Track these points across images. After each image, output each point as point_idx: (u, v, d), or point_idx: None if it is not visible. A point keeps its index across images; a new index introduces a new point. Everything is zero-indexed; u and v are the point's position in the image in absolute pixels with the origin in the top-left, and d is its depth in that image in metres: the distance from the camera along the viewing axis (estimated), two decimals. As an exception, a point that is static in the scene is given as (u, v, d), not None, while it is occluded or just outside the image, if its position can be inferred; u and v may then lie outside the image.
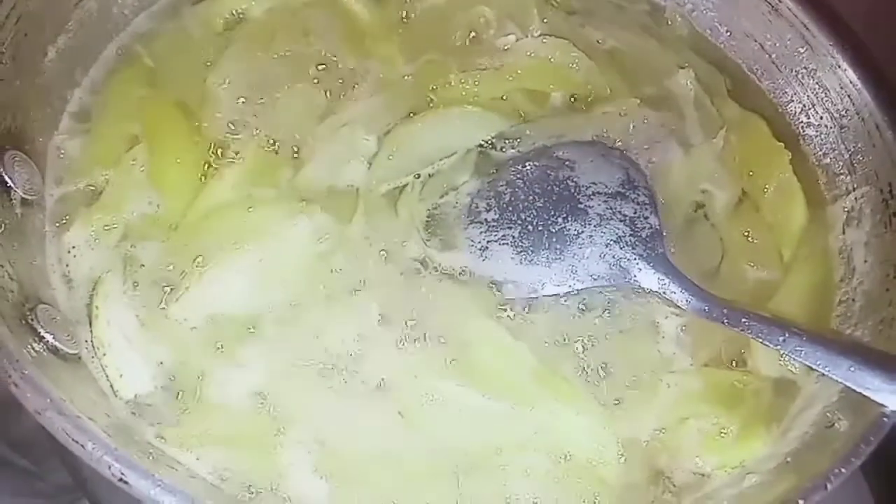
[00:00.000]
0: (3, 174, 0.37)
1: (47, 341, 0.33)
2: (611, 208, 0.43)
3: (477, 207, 0.44)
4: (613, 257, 0.41)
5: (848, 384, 0.33)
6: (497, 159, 0.47)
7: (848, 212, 0.48)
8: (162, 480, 0.29)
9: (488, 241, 0.43)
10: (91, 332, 0.37)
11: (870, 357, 0.34)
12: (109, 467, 0.29)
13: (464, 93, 0.48)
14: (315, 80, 0.47)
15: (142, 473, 0.29)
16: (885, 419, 0.35)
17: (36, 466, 0.65)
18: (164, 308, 0.38)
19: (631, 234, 0.42)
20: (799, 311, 0.44)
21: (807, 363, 0.35)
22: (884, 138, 0.48)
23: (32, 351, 0.32)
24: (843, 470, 0.34)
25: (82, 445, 0.29)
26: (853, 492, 0.58)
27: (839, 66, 0.51)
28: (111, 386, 0.36)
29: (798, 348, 0.35)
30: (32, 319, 0.34)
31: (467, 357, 0.39)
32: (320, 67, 0.48)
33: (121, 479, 0.28)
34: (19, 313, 0.34)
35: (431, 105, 0.48)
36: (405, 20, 0.51)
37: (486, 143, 0.47)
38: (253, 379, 0.37)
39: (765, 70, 0.55)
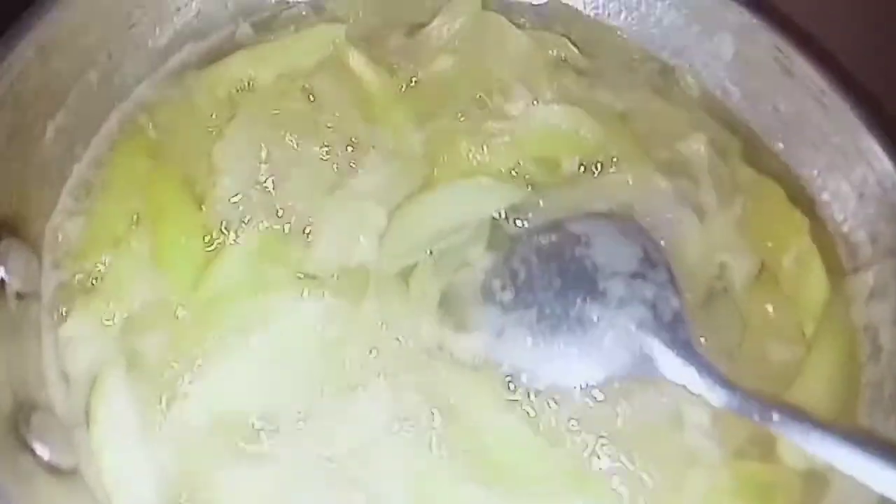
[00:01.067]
0: (-2, 267, 0.36)
1: (41, 458, 0.31)
2: (631, 290, 0.41)
3: (492, 286, 0.43)
4: (635, 344, 0.39)
5: (891, 496, 0.32)
6: (511, 233, 0.45)
7: (872, 285, 0.47)
8: None
9: (504, 324, 0.41)
10: (89, 436, 0.35)
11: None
12: None
13: (475, 163, 0.47)
14: (324, 151, 0.46)
15: None
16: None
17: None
18: (167, 407, 0.36)
19: (653, 319, 0.40)
20: (824, 392, 0.43)
21: (845, 469, 0.33)
22: (907, 209, 0.47)
23: (24, 469, 0.30)
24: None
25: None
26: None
27: (856, 132, 0.50)
28: (110, 500, 0.34)
29: (835, 452, 0.34)
30: (26, 431, 0.32)
31: (485, 455, 0.37)
32: (329, 137, 0.47)
33: None
34: (11, 426, 0.32)
35: (442, 176, 0.47)
36: (414, 86, 0.50)
37: (499, 215, 0.46)
38: (263, 486, 0.35)
39: (778, 132, 0.54)
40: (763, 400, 0.37)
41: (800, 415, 0.36)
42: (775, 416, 0.36)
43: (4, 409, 0.32)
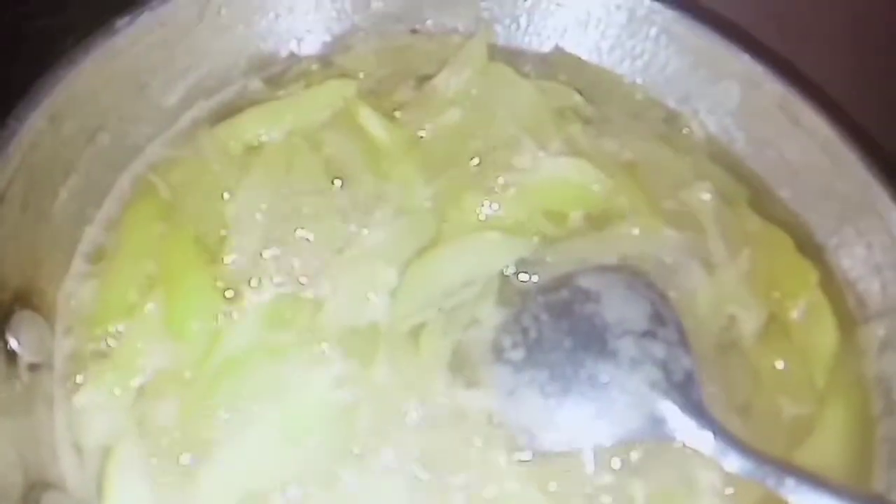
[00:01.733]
0: (9, 341, 0.36)
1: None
2: (641, 350, 0.41)
3: (502, 344, 0.43)
4: (647, 406, 0.39)
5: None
6: (520, 288, 0.46)
7: (883, 336, 0.47)
8: None
9: (516, 384, 0.41)
10: (102, 512, 0.35)
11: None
12: None
13: (483, 217, 0.47)
14: (334, 208, 0.46)
15: None
16: None
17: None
18: (181, 480, 0.36)
19: (665, 380, 0.40)
20: (838, 448, 0.43)
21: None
22: (916, 259, 0.47)
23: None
24: None
25: None
26: None
27: (863, 181, 0.50)
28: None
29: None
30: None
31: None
32: (339, 194, 0.47)
33: None
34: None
35: (450, 231, 0.47)
36: (422, 139, 0.51)
37: (508, 270, 0.46)
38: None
39: (784, 179, 0.54)
40: (777, 464, 0.36)
41: (814, 480, 0.35)
42: (789, 482, 0.35)
43: (14, 493, 0.32)
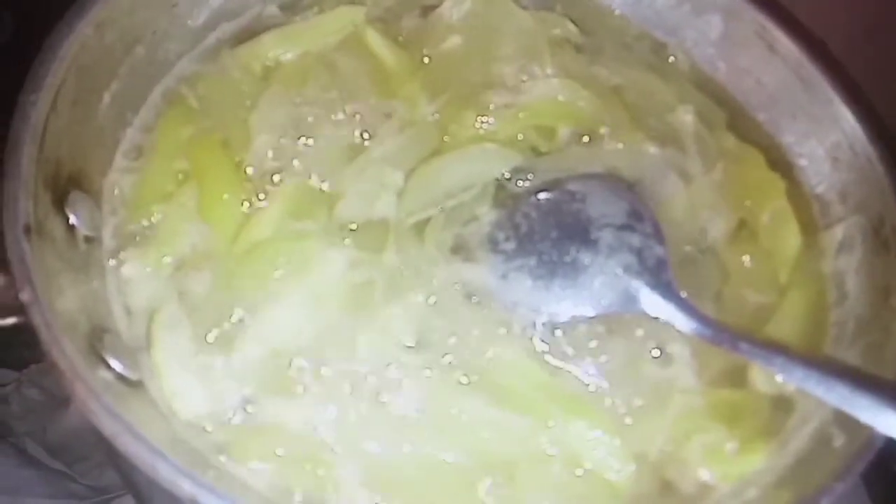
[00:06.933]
0: (69, 214, 0.41)
1: (114, 369, 0.37)
2: (619, 239, 0.46)
3: (496, 237, 0.48)
4: (622, 286, 0.45)
5: (841, 407, 0.36)
6: (514, 192, 0.50)
7: (840, 239, 0.51)
8: (225, 494, 0.33)
9: (507, 270, 0.46)
10: (150, 359, 0.40)
11: (860, 381, 0.37)
12: (181, 485, 0.32)
13: (482, 131, 0.52)
14: (345, 121, 0.51)
15: (208, 489, 0.32)
16: (875, 438, 0.38)
17: (69, 469, 0.70)
18: (215, 338, 0.42)
19: (638, 264, 0.45)
20: (795, 332, 0.48)
21: (803, 387, 0.38)
22: (874, 171, 0.51)
23: (103, 379, 0.36)
24: (836, 486, 0.37)
25: (154, 466, 0.32)
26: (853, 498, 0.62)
27: (832, 102, 0.54)
28: (170, 408, 0.39)
29: (795, 373, 0.38)
30: (100, 348, 0.37)
31: (489, 377, 0.43)
32: (350, 108, 0.52)
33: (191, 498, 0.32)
34: (88, 343, 0.37)
35: (452, 143, 0.52)
36: (426, 62, 0.55)
37: (504, 176, 0.51)
38: (305, 401, 0.41)
39: (761, 103, 0.58)
40: (731, 331, 0.41)
41: (765, 342, 0.41)
42: (743, 344, 0.40)
43: (83, 329, 0.37)
